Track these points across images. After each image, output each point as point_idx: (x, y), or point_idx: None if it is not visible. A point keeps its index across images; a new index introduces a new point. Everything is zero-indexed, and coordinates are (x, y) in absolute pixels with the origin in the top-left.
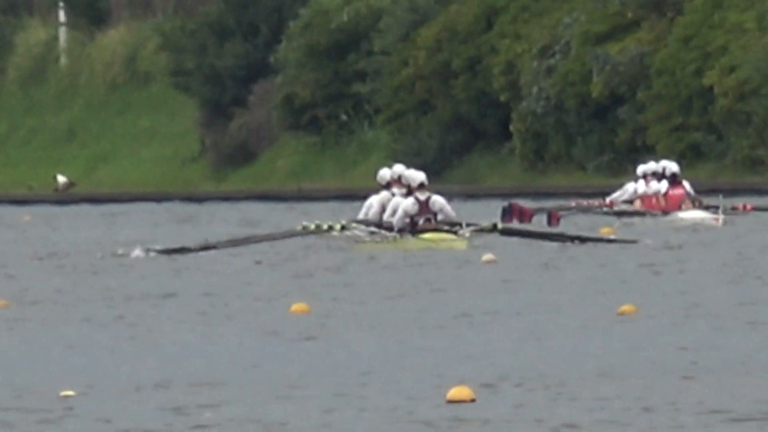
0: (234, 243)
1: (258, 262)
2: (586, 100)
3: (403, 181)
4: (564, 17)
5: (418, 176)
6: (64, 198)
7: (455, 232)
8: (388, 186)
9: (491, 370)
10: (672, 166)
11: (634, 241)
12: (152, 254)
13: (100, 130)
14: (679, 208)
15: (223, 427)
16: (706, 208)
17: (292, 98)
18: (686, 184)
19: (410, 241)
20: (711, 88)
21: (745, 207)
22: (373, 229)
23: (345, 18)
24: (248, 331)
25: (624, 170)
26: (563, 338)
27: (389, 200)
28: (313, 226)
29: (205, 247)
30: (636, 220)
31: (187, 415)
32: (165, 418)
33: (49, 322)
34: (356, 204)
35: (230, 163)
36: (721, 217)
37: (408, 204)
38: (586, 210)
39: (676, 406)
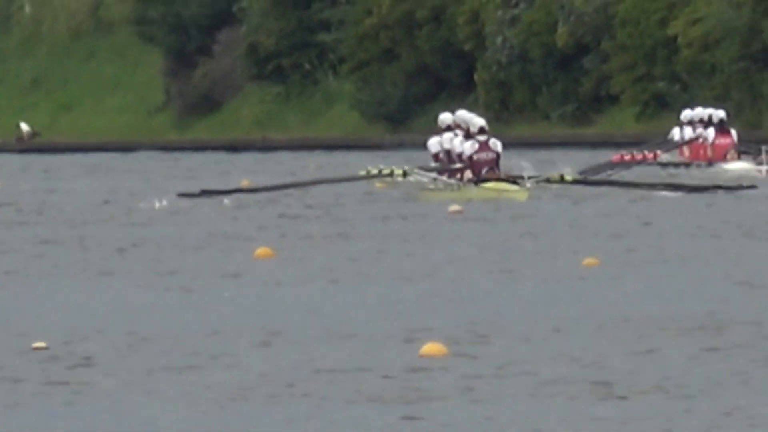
0: (291, 185)
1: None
2: (551, 50)
3: (463, 125)
4: None
5: (477, 121)
6: (27, 147)
7: (517, 182)
8: (448, 129)
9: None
10: (719, 113)
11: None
12: (190, 198)
13: (65, 79)
14: (725, 159)
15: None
16: (749, 154)
17: (257, 47)
18: (734, 132)
19: (473, 191)
20: (675, 38)
21: None
22: (435, 175)
23: None
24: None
25: (588, 120)
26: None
27: (450, 140)
28: (375, 171)
29: (255, 189)
30: (681, 170)
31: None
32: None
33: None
34: (320, 153)
35: (195, 113)
36: (765, 167)
37: (467, 145)
38: (630, 164)
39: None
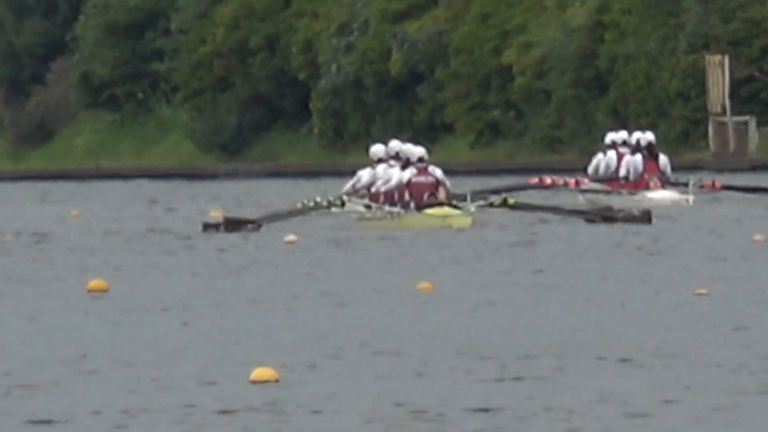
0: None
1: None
2: (384, 78)
3: (401, 156)
4: None
5: (417, 151)
6: None
7: (460, 207)
8: (380, 162)
9: (294, 351)
10: (647, 137)
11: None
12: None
13: None
14: (648, 187)
15: None
16: (674, 185)
17: (90, 76)
18: (662, 157)
19: (414, 217)
20: (509, 66)
21: (714, 185)
22: (374, 204)
23: None
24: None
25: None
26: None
27: (385, 170)
28: (312, 203)
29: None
30: (602, 197)
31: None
32: None
33: None
34: (154, 183)
35: (28, 142)
36: (691, 197)
37: (406, 172)
38: (553, 187)
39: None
